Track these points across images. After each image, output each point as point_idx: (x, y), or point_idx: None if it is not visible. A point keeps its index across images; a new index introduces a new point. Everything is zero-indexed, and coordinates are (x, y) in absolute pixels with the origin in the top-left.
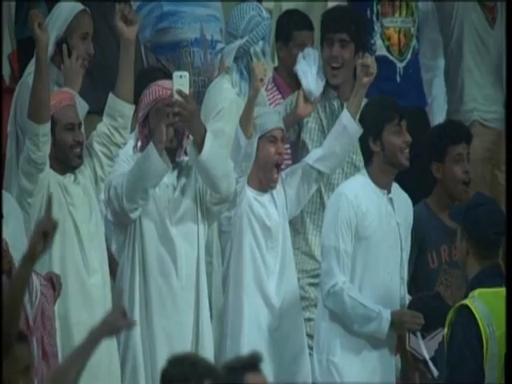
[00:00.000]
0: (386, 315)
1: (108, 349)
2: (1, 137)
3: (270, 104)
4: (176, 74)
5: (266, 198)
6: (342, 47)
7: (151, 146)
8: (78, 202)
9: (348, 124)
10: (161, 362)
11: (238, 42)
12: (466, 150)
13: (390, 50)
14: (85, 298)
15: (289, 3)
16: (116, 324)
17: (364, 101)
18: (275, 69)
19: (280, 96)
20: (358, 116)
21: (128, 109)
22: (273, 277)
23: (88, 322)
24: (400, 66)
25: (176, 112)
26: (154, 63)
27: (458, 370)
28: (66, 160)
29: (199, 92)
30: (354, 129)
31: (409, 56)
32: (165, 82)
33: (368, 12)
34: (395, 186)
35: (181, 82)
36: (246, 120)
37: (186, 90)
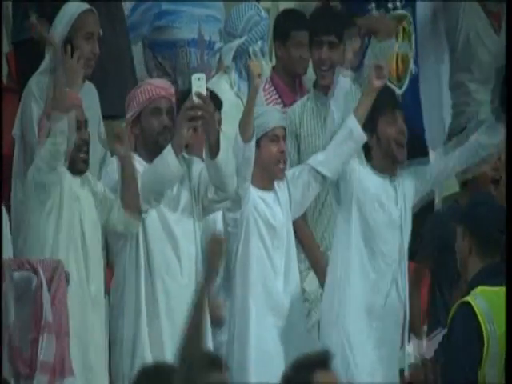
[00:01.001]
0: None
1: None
2: (0, 137)
3: (268, 104)
4: (194, 77)
5: (270, 197)
6: (331, 49)
7: (169, 149)
8: (85, 206)
9: (354, 129)
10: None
11: (237, 42)
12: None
13: (388, 78)
14: (82, 305)
15: (286, 3)
16: None
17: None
18: (273, 68)
19: (277, 96)
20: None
21: (132, 226)
22: (279, 276)
23: (80, 329)
24: (398, 92)
25: (199, 115)
26: (150, 59)
27: (450, 365)
28: (72, 162)
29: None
30: (360, 134)
31: (407, 82)
32: (156, 81)
33: (365, 39)
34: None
35: (199, 84)
36: (245, 121)
37: (204, 92)
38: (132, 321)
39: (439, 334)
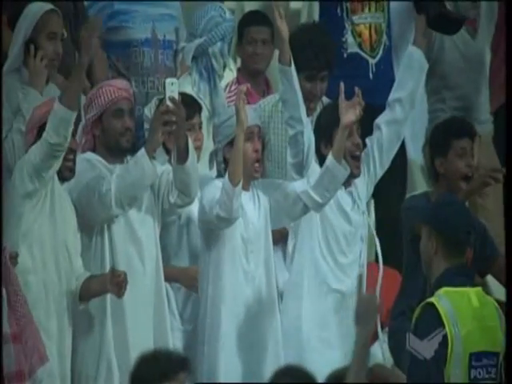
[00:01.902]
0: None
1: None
2: (0, 134)
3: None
4: (168, 82)
5: (245, 197)
6: (322, 81)
7: (142, 153)
8: (67, 212)
9: (332, 167)
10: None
11: (197, 42)
12: (469, 145)
13: (361, 47)
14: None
15: (251, 3)
16: None
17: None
18: (238, 70)
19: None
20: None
21: None
22: (253, 282)
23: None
24: (372, 62)
25: (173, 120)
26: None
27: (415, 366)
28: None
29: (148, 93)
30: (339, 172)
31: (380, 52)
32: (117, 82)
33: (338, 10)
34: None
35: (172, 88)
36: (235, 165)
37: (177, 97)
38: (97, 321)
39: (439, 334)
